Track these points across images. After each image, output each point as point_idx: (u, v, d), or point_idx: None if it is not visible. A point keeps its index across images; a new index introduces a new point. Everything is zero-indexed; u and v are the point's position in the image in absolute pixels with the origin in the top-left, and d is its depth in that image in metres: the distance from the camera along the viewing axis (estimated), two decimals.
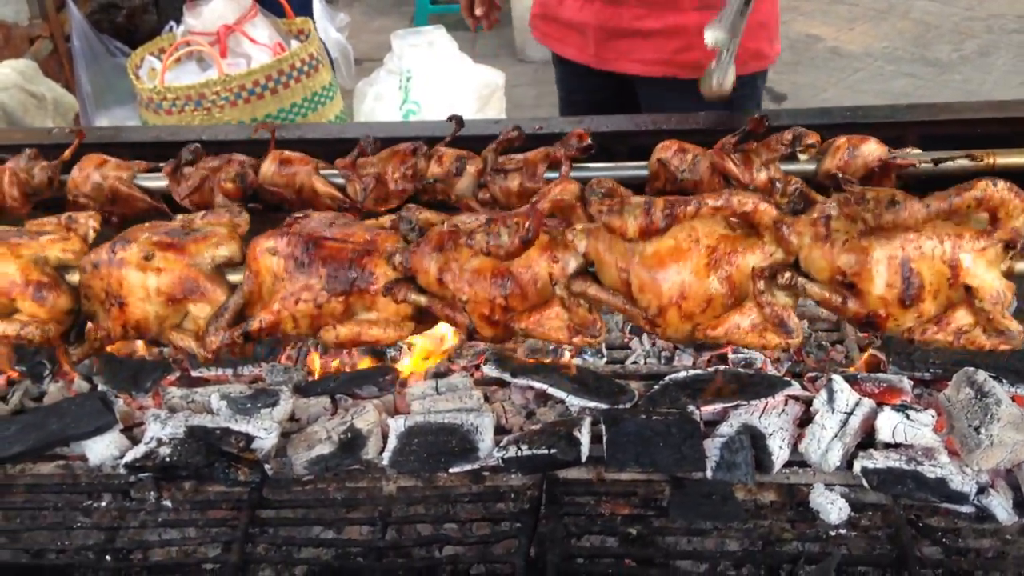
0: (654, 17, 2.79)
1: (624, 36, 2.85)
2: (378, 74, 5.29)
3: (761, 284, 1.44)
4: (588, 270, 1.56)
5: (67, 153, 2.06)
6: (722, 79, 2.10)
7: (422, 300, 1.60)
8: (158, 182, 2.05)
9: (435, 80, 4.78)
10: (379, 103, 4.99)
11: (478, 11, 2.97)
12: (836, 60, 7.51)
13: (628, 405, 2.09)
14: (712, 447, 1.93)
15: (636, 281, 1.50)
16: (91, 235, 1.75)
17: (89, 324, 1.75)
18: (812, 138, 1.85)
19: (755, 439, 1.93)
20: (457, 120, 2.07)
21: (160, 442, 2.02)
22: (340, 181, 1.99)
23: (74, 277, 1.71)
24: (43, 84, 4.59)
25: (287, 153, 2.02)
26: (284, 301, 1.62)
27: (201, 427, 2.04)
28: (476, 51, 6.04)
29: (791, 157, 1.87)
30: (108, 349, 2.14)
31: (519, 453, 1.98)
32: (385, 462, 2.04)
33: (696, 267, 1.47)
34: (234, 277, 1.70)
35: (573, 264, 1.55)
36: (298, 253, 1.62)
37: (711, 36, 2.08)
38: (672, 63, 2.82)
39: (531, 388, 2.19)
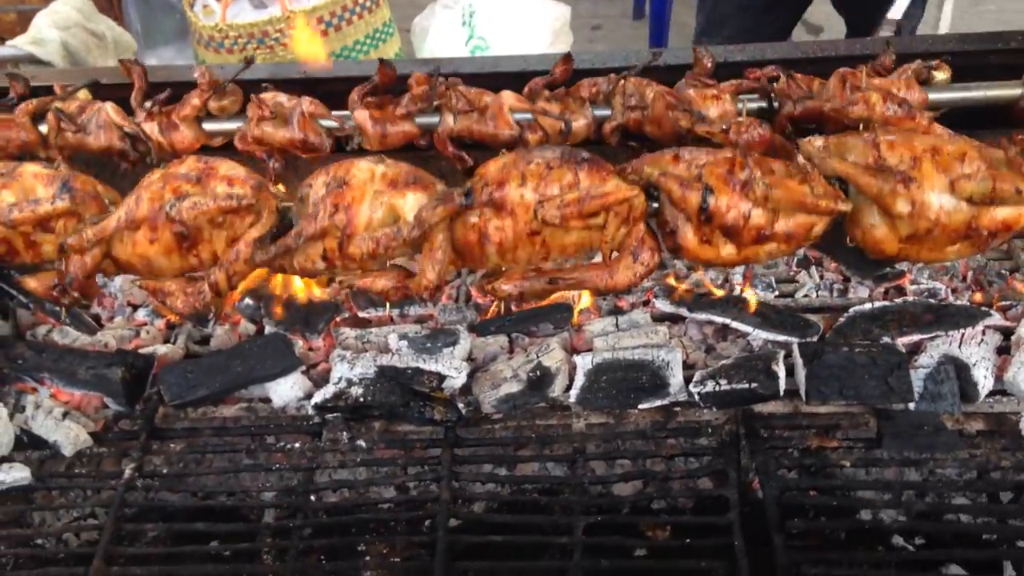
0: None
1: None
2: (432, 10, 5.15)
3: None
4: None
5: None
6: None
7: None
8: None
9: (501, 14, 4.67)
10: (442, 39, 4.87)
11: None
12: None
13: (815, 338, 2.08)
14: (915, 378, 1.92)
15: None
16: None
17: None
18: None
19: (958, 369, 1.93)
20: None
21: (350, 383, 1.99)
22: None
23: None
24: (102, 22, 4.42)
25: None
26: None
27: (391, 367, 2.01)
28: None
29: None
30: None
31: (716, 388, 1.96)
32: (572, 399, 2.03)
33: None
34: None
35: None
36: None
37: None
38: None
39: (710, 323, 2.17)
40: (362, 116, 1.70)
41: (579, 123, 1.75)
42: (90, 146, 1.76)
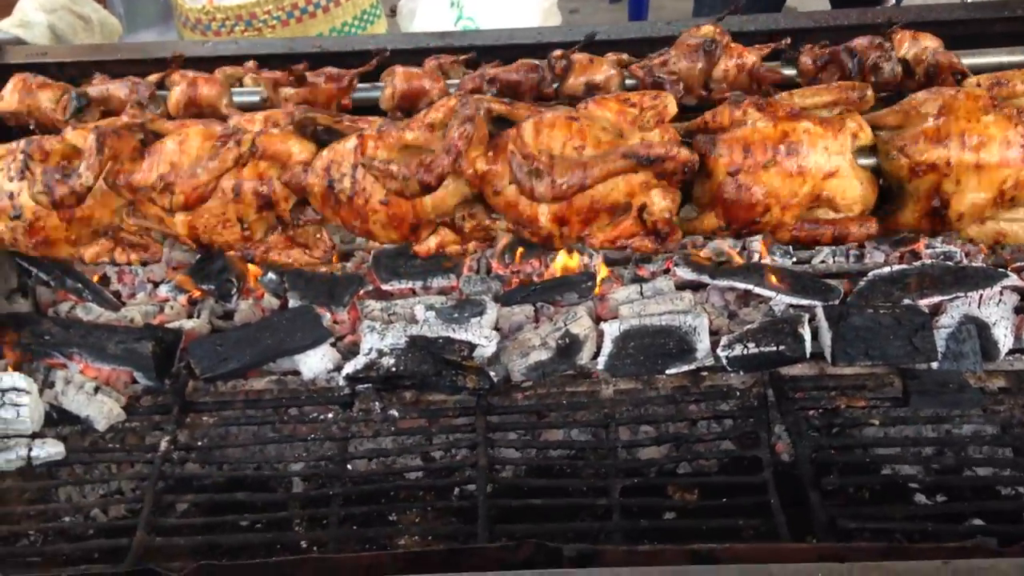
0: None
1: None
2: None
3: None
4: None
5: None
6: None
7: None
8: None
9: None
10: (429, 21, 4.85)
11: None
12: None
13: (836, 302, 2.12)
14: (937, 338, 1.97)
15: None
16: None
17: None
18: None
19: (979, 329, 1.98)
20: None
21: (381, 353, 2.00)
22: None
23: None
24: (87, 5, 4.36)
25: None
26: None
27: (422, 337, 2.02)
28: None
29: None
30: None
31: (744, 351, 2.00)
32: (600, 366, 2.05)
33: None
34: None
35: None
36: None
37: None
38: None
39: (732, 289, 2.20)
40: (395, 67, 1.75)
41: (607, 73, 1.79)
42: (112, 95, 1.82)
